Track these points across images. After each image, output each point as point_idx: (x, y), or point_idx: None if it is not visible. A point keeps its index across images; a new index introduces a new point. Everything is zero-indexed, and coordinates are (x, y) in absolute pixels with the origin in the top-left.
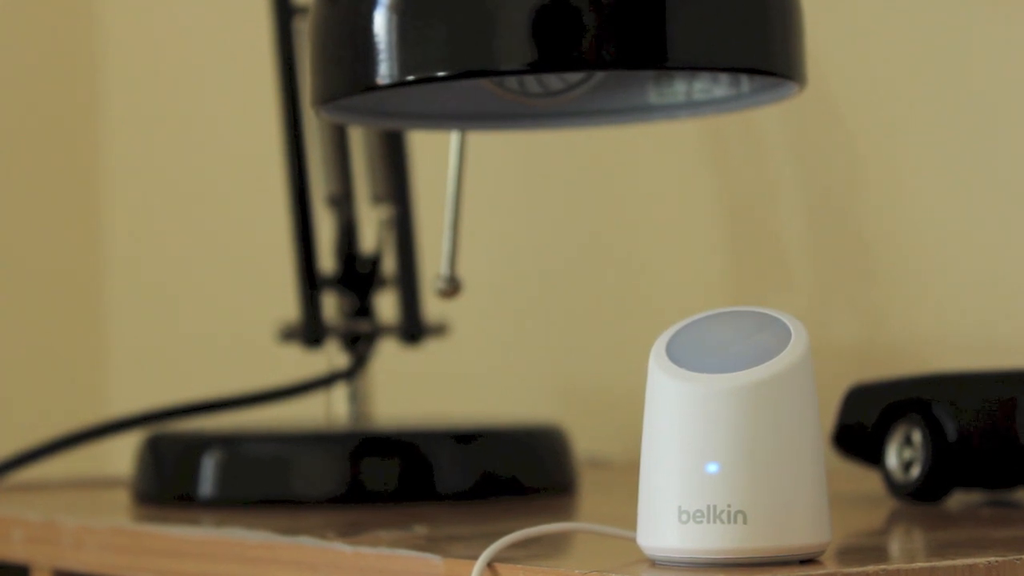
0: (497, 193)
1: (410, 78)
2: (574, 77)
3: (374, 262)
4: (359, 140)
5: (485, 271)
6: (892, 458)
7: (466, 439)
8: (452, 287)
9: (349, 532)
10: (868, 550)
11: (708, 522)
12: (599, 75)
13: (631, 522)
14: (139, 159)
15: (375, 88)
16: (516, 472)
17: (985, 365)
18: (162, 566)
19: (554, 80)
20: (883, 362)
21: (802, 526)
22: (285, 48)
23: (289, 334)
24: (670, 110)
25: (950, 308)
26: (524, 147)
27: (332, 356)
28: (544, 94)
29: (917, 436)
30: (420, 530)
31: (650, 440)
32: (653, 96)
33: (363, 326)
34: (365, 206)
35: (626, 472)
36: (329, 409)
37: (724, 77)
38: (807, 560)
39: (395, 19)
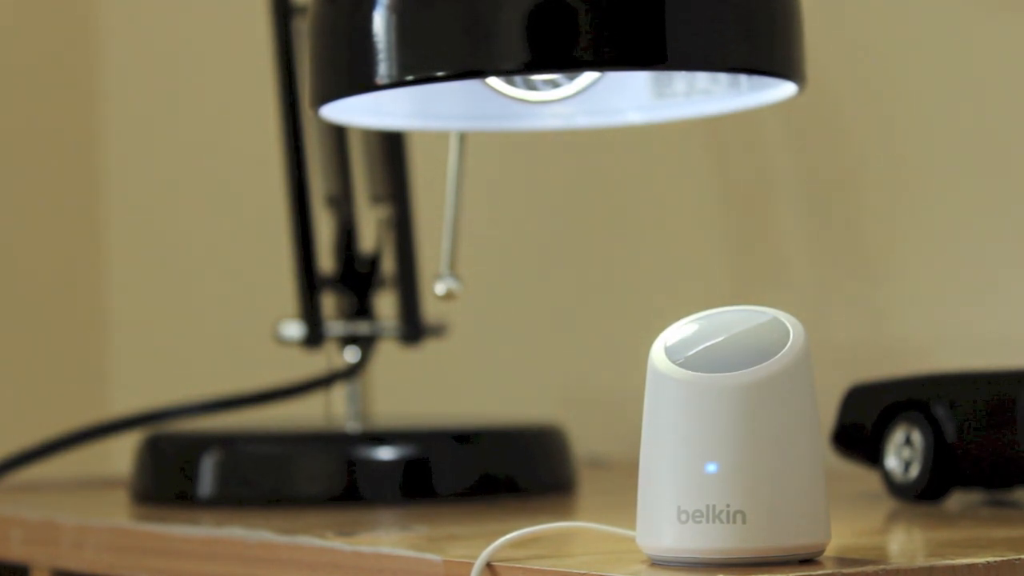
0: (497, 193)
1: (409, 78)
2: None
3: (373, 262)
4: (358, 140)
5: (485, 271)
6: (891, 458)
7: (466, 439)
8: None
9: (348, 532)
10: (867, 550)
11: (707, 522)
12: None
13: (631, 522)
14: (139, 159)
15: (374, 88)
16: (516, 472)
17: (985, 365)
18: (161, 566)
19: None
20: (882, 362)
21: (801, 526)
22: (284, 48)
23: (287, 334)
24: (670, 110)
25: (950, 308)
26: (524, 147)
27: (332, 356)
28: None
29: (916, 436)
30: (420, 530)
31: (649, 440)
32: (653, 96)
33: (362, 326)
34: (364, 206)
35: (626, 472)
36: (329, 409)
37: (723, 77)
38: (806, 560)
39: (394, 19)
